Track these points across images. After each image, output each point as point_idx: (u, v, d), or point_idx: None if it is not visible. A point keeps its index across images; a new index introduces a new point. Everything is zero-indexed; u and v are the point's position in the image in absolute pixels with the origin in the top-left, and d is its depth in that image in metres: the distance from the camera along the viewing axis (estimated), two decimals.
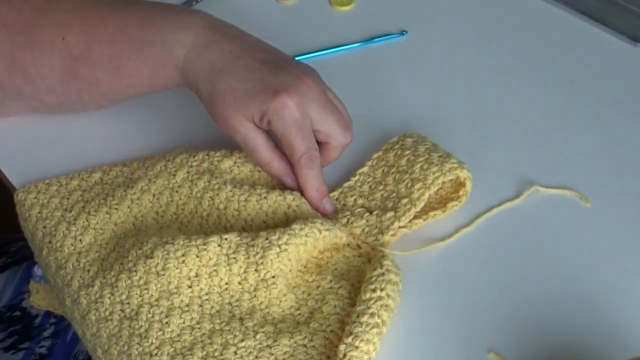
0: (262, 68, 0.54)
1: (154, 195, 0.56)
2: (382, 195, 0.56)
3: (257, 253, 0.50)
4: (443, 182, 0.55)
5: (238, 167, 0.57)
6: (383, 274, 0.49)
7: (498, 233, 0.55)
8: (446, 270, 0.53)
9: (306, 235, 0.51)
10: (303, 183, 0.55)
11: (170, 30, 0.55)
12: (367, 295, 0.48)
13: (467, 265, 0.53)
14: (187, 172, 0.56)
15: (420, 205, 0.54)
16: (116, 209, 0.55)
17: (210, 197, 0.55)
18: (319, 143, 0.56)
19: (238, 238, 0.51)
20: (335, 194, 0.57)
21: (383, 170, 0.57)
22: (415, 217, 0.55)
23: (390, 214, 0.54)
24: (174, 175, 0.56)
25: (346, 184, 0.57)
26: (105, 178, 0.58)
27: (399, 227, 0.54)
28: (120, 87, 0.57)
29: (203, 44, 0.54)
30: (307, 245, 0.51)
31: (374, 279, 0.49)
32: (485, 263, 0.53)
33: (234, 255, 0.50)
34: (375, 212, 0.55)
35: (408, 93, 0.65)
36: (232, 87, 0.53)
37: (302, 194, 0.55)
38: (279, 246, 0.50)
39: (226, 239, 0.51)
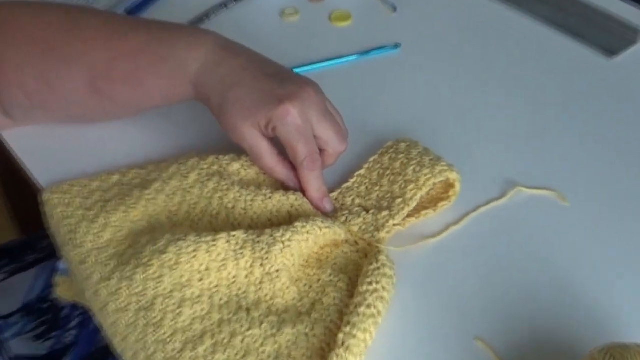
0: (268, 80, 0.53)
1: (167, 196, 0.55)
2: (377, 195, 0.55)
3: (263, 249, 0.50)
4: (434, 184, 0.54)
5: (245, 169, 0.56)
6: (379, 268, 0.49)
7: (484, 231, 0.55)
8: (437, 265, 0.53)
9: (308, 232, 0.51)
10: (305, 184, 0.55)
11: (184, 47, 0.54)
12: (364, 288, 0.48)
13: (456, 260, 0.53)
14: (199, 174, 0.56)
15: (413, 204, 0.54)
16: (133, 208, 0.54)
17: (219, 197, 0.54)
18: None
19: (245, 235, 0.50)
20: (335, 194, 0.56)
21: (379, 172, 0.57)
22: (408, 216, 0.55)
23: (385, 212, 0.54)
24: (187, 177, 0.56)
25: (345, 185, 0.57)
26: (124, 180, 0.58)
27: (394, 225, 0.54)
28: (139, 100, 0.57)
29: (214, 60, 0.54)
30: (308, 242, 0.51)
31: (370, 272, 0.49)
32: (473, 258, 0.53)
33: (241, 251, 0.50)
34: (371, 211, 0.54)
35: (401, 101, 0.65)
36: (241, 97, 0.53)
37: (304, 194, 0.55)
38: (283, 242, 0.50)
39: (234, 235, 0.50)
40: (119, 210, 0.55)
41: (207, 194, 0.55)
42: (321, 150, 0.55)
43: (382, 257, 0.50)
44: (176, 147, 0.61)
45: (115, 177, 0.58)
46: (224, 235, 0.50)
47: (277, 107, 0.52)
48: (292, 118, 0.52)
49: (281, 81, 0.53)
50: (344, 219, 0.54)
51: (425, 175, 0.54)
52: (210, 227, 0.54)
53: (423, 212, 0.55)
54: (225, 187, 0.55)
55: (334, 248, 0.53)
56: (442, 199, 0.56)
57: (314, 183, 0.54)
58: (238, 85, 0.53)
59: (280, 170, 0.55)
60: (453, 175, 0.55)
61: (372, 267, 0.49)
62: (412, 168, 0.55)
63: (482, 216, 0.55)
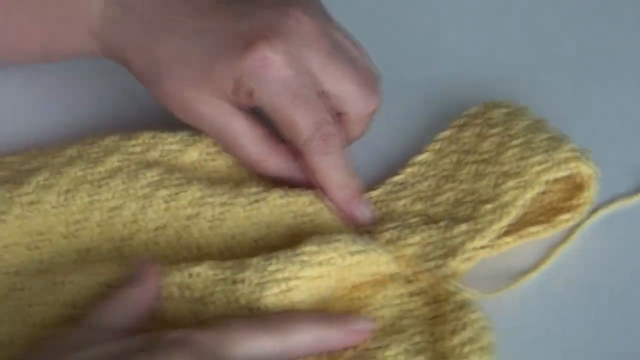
0: (221, 9, 0.56)
1: (60, 195, 0.55)
2: (451, 197, 0.57)
3: (250, 293, 0.50)
4: (553, 180, 0.56)
5: (209, 162, 0.58)
6: (474, 338, 0.49)
7: None
8: (565, 321, 0.54)
9: (328, 263, 0.51)
10: (320, 179, 0.56)
11: None
12: None
13: (600, 311, 0.54)
14: (120, 161, 0.56)
15: (514, 213, 0.55)
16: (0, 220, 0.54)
17: (163, 198, 0.55)
18: None
19: (212, 271, 0.51)
20: (376, 194, 0.58)
21: (454, 158, 0.58)
22: (505, 233, 0.56)
23: (465, 226, 0.55)
24: (99, 162, 0.56)
25: (393, 179, 0.58)
26: None
27: (479, 248, 0.55)
28: None
29: None
30: (329, 279, 0.51)
31: (457, 346, 0.49)
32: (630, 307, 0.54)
33: (211, 299, 0.51)
34: (441, 223, 0.55)
35: (491, 30, 0.67)
36: (181, 51, 0.55)
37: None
38: (284, 282, 0.50)
39: (190, 274, 0.51)
40: None
41: (141, 190, 0.55)
42: (338, 116, 0.57)
43: (474, 315, 0.50)
44: (77, 123, 0.62)
45: None
46: (174, 274, 0.51)
47: (245, 55, 0.54)
48: (273, 70, 0.54)
49: (245, 5, 0.56)
50: (389, 235, 0.55)
51: (539, 164, 0.55)
52: (147, 255, 0.55)
53: (532, 230, 0.56)
54: (175, 182, 0.56)
55: (371, 290, 0.53)
56: (563, 210, 0.57)
57: (334, 175, 0.56)
58: (172, 29, 0.56)
59: (275, 165, 0.57)
60: (587, 168, 0.56)
61: (459, 338, 0.50)
62: (514, 152, 0.56)
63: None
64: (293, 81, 0.54)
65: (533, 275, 0.55)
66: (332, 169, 0.56)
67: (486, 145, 0.57)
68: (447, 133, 0.59)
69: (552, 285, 0.55)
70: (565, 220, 0.57)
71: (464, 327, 0.50)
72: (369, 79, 0.57)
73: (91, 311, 0.50)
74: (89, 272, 0.52)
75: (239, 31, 0.54)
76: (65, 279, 0.52)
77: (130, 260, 0.53)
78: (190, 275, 0.51)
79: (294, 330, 0.48)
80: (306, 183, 0.57)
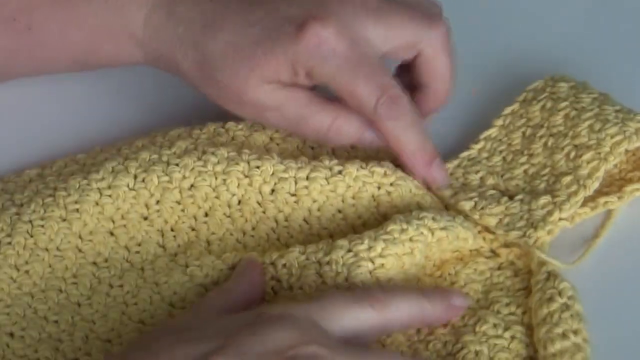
0: (265, 0, 0.56)
1: (136, 177, 0.55)
2: (525, 171, 0.57)
3: (344, 272, 0.51)
4: (626, 152, 0.56)
5: (277, 144, 0.58)
6: (567, 305, 0.50)
7: None
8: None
9: (411, 240, 0.51)
10: (395, 144, 0.56)
11: None
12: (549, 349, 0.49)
13: None
14: (192, 144, 0.57)
15: (595, 185, 0.55)
16: (76, 211, 0.54)
17: (240, 173, 0.55)
18: (406, 69, 0.58)
19: (303, 257, 0.51)
20: (450, 167, 0.58)
21: (524, 132, 0.59)
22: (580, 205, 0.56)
23: (544, 199, 0.55)
24: (168, 147, 0.56)
25: (465, 154, 0.59)
26: (48, 172, 0.58)
27: (559, 220, 0.55)
28: (29, 60, 0.61)
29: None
30: (416, 256, 0.52)
31: (551, 315, 0.50)
32: None
33: (298, 284, 0.51)
34: (519, 196, 0.56)
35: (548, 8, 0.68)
36: (231, 44, 0.56)
37: (399, 160, 0.57)
38: (372, 260, 0.51)
39: (290, 266, 0.51)
40: (50, 218, 0.54)
41: (217, 166, 0.55)
42: (415, 63, 0.57)
43: (564, 285, 0.50)
44: (134, 125, 0.62)
45: (32, 173, 0.59)
46: (267, 268, 0.51)
47: (298, 36, 0.54)
48: (328, 45, 0.54)
49: None
50: (471, 204, 0.56)
51: (615, 135, 0.56)
52: (231, 227, 0.55)
53: (605, 201, 0.56)
54: (251, 157, 0.55)
55: (460, 265, 0.54)
56: (630, 181, 0.57)
57: (408, 137, 0.56)
58: (220, 25, 0.56)
59: (346, 119, 0.57)
60: None
61: (552, 307, 0.50)
62: (587, 124, 0.57)
63: None
64: (350, 52, 0.55)
65: (599, 242, 0.56)
66: (404, 132, 0.56)
67: (555, 119, 0.58)
68: (512, 108, 0.60)
69: (616, 250, 0.56)
70: (635, 190, 0.57)
71: (555, 296, 0.51)
72: (429, 10, 0.58)
73: (197, 303, 0.51)
74: (189, 273, 0.53)
75: (287, 17, 0.55)
76: (169, 279, 0.52)
77: (226, 257, 0.54)
78: (284, 266, 0.52)
79: (395, 303, 0.49)
80: (378, 140, 0.57)
